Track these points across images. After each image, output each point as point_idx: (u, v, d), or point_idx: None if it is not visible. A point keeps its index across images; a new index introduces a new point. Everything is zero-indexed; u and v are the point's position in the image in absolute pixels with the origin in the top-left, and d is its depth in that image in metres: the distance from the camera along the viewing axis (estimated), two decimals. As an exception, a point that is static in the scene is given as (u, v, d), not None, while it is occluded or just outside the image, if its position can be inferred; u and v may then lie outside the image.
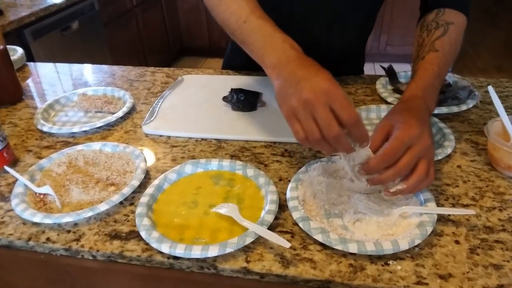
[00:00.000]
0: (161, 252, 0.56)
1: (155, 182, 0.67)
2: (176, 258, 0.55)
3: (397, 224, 0.59)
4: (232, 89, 0.91)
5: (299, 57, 0.59)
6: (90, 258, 0.59)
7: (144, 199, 0.64)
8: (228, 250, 0.54)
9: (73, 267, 0.62)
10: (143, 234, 0.57)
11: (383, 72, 1.02)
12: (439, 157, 0.71)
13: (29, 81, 1.13)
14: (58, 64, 1.23)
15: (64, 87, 1.09)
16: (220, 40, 3.59)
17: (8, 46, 1.00)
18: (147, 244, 0.57)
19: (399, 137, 0.55)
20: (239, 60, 1.13)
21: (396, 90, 0.96)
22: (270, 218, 0.59)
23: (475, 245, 0.56)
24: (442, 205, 0.63)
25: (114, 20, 2.54)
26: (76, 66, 1.21)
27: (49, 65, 1.23)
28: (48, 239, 0.60)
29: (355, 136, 0.54)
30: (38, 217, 0.61)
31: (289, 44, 0.61)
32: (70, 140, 0.84)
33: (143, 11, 2.90)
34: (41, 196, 0.67)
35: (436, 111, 0.85)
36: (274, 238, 0.54)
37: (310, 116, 0.52)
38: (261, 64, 0.64)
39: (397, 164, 0.55)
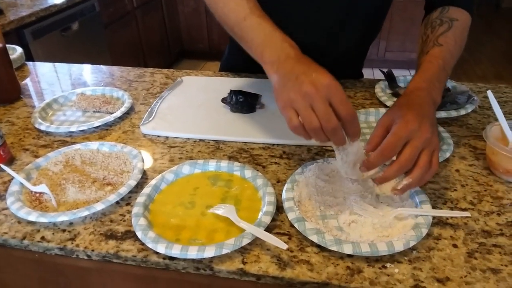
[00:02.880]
0: (157, 253, 0.56)
1: (152, 182, 0.67)
2: (172, 258, 0.55)
3: (393, 225, 0.59)
4: (231, 91, 0.91)
5: (298, 55, 0.61)
6: (85, 258, 0.58)
7: (140, 199, 0.63)
8: (225, 251, 0.54)
9: (68, 267, 0.62)
10: (139, 234, 0.57)
11: (382, 77, 1.02)
12: (438, 161, 0.71)
13: (28, 80, 1.13)
14: (57, 64, 1.23)
15: (62, 86, 1.09)
16: (220, 43, 3.59)
17: (7, 45, 0.99)
18: (143, 244, 0.57)
19: (396, 132, 0.56)
20: (237, 62, 1.13)
21: (395, 94, 0.96)
22: (267, 220, 0.58)
23: (473, 249, 0.55)
24: (440, 209, 0.63)
25: (114, 22, 2.54)
26: (75, 66, 1.21)
27: (48, 65, 1.23)
28: (43, 238, 0.59)
29: (350, 131, 0.56)
30: (33, 216, 0.60)
31: (288, 43, 0.63)
32: (68, 140, 0.83)
33: (143, 13, 2.91)
34: (37, 195, 0.66)
35: (434, 115, 0.85)
36: (271, 239, 0.54)
37: (309, 107, 0.54)
38: (259, 60, 0.65)
39: (398, 159, 0.56)
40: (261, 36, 0.65)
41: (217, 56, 4.04)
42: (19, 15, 1.81)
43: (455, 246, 0.56)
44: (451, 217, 0.61)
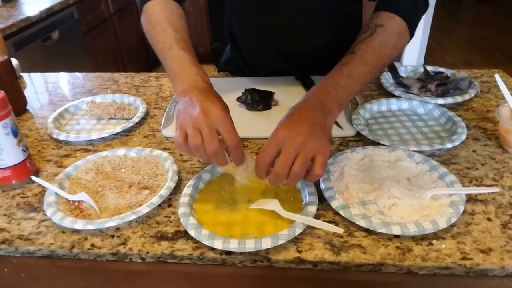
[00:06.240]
0: (212, 249, 0.57)
1: (191, 182, 0.68)
2: (228, 253, 0.56)
3: (430, 206, 0.62)
4: (246, 90, 0.93)
5: (205, 88, 0.65)
6: (139, 260, 0.59)
7: (184, 199, 0.64)
8: (281, 241, 0.56)
9: (117, 272, 0.62)
10: (192, 232, 0.58)
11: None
12: (456, 143, 0.75)
13: (27, 92, 1.10)
14: (54, 74, 1.21)
15: (65, 96, 1.07)
16: (197, 46, 3.58)
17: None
18: (196, 242, 0.58)
19: (268, 142, 0.60)
20: (238, 63, 1.14)
21: (399, 84, 1.01)
22: (313, 209, 0.61)
23: (506, 220, 0.60)
24: (468, 187, 0.67)
25: (93, 29, 2.49)
26: (74, 75, 1.19)
27: (46, 75, 1.21)
28: (92, 245, 0.59)
29: (233, 157, 0.62)
30: (79, 224, 0.60)
31: (200, 77, 0.67)
32: (89, 148, 0.83)
33: (120, 19, 2.86)
34: (76, 204, 0.66)
35: (442, 102, 0.90)
36: (325, 226, 0.57)
37: (197, 129, 0.59)
38: (174, 88, 0.71)
39: (273, 168, 0.59)
40: (178, 67, 0.70)
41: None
42: (-2, 26, 1.75)
43: (489, 219, 0.60)
44: (480, 194, 0.65)
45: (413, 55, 3.48)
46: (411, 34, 0.79)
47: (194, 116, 0.59)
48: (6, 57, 0.92)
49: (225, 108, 0.61)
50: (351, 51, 0.73)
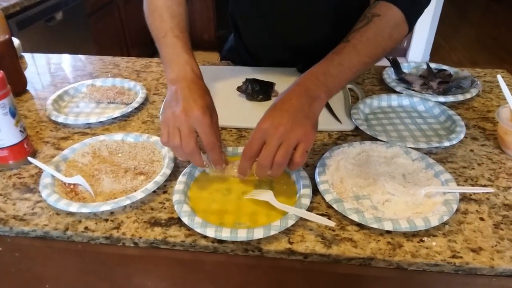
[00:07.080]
0: (205, 237, 0.57)
1: (187, 170, 0.68)
2: (220, 241, 0.57)
3: (424, 203, 0.63)
4: (247, 80, 0.92)
5: (193, 80, 0.67)
6: (132, 245, 0.59)
7: (179, 186, 0.64)
8: (273, 232, 0.56)
9: (111, 256, 0.62)
10: (185, 220, 0.58)
11: (387, 64, 1.06)
12: (454, 142, 0.75)
13: (28, 72, 1.10)
14: (55, 55, 1.21)
15: (66, 78, 1.07)
16: (202, 33, 3.56)
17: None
18: (189, 229, 0.59)
19: (252, 135, 0.61)
20: (241, 52, 1.14)
21: (401, 80, 1.00)
22: (307, 202, 0.61)
23: (498, 221, 0.60)
24: (463, 186, 0.67)
25: (97, 11, 2.48)
26: (76, 57, 1.19)
27: (47, 56, 1.20)
28: (86, 228, 0.60)
29: (211, 158, 0.65)
30: (74, 207, 0.61)
31: (190, 66, 0.69)
32: (87, 131, 0.83)
33: (125, 2, 2.84)
34: (71, 186, 0.66)
35: (443, 100, 0.90)
36: (317, 219, 0.57)
37: (177, 128, 0.62)
38: (165, 75, 0.73)
39: (257, 160, 0.60)
40: (170, 54, 0.72)
41: (200, 46, 4.01)
42: (1, 5, 1.74)
43: (482, 219, 0.60)
44: (474, 193, 0.65)
45: (419, 51, 3.46)
46: (410, 27, 0.77)
47: (176, 114, 0.62)
48: (7, 36, 0.92)
49: (206, 108, 0.62)
50: (345, 40, 0.72)
